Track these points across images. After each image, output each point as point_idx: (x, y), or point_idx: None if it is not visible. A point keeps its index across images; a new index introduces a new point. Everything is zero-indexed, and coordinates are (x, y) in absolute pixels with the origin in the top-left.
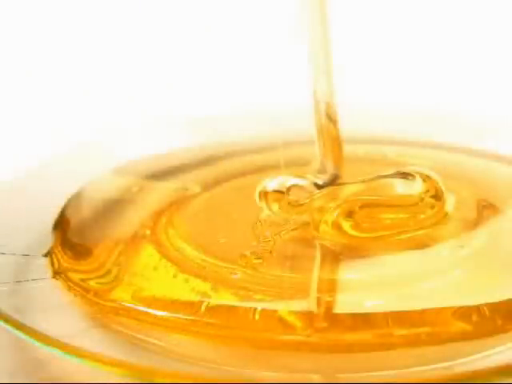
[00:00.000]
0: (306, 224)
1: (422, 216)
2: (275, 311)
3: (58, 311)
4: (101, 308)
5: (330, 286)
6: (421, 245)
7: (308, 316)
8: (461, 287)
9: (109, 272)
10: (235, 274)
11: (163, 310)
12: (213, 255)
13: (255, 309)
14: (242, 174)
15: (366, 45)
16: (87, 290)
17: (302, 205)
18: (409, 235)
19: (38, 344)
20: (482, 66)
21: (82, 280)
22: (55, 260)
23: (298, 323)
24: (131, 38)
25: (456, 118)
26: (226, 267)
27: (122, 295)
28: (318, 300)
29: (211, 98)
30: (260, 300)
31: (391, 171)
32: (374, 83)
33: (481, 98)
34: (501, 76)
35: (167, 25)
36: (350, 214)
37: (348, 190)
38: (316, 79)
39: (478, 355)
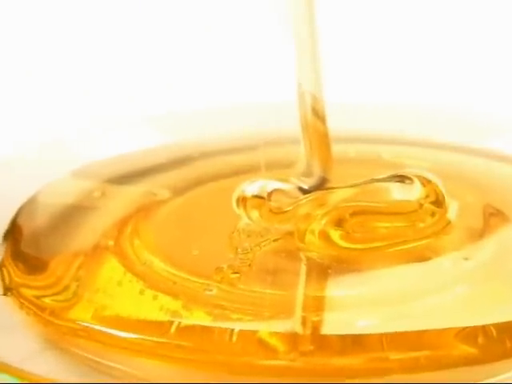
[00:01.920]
0: (290, 234)
1: (422, 225)
2: (255, 332)
3: (8, 332)
4: (57, 328)
5: (316, 304)
6: (420, 257)
7: (292, 338)
8: (465, 305)
9: (66, 288)
10: (210, 290)
11: (128, 330)
12: (184, 269)
13: (232, 330)
14: (218, 176)
15: (359, 32)
16: (42, 309)
17: (285, 212)
18: (406, 246)
19: None
20: (483, 60)
21: (37, 297)
22: (6, 274)
23: (280, 346)
24: (100, 34)
25: (458, 114)
26: (199, 283)
27: (81, 314)
28: (304, 320)
29: (184, 92)
30: (238, 320)
31: (386, 174)
32: (367, 76)
33: (484, 93)
34: (505, 70)
35: (138, 19)
36: (339, 223)
37: (337, 196)
38: (301, 69)
39: (485, 382)
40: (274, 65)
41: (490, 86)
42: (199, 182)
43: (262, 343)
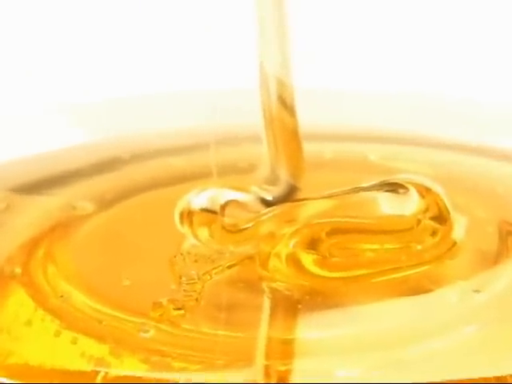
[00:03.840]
0: (250, 258)
1: (419, 247)
2: None
3: None
4: None
5: (283, 349)
6: (417, 289)
7: None
8: (475, 350)
9: None
10: (145, 331)
11: (41, 383)
12: (113, 304)
13: (175, 382)
14: (156, 184)
15: (342, 7)
16: None
17: (242, 230)
18: (399, 275)
19: None
20: (490, 44)
21: None
22: None
23: None
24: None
25: (463, 106)
26: (131, 322)
27: None
28: (267, 369)
29: (111, 76)
30: (182, 369)
31: (374, 181)
32: (348, 56)
33: (493, 82)
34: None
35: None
36: (313, 244)
37: (310, 209)
38: (264, 46)
39: None
40: (227, 40)
41: (501, 73)
42: (131, 192)
43: None
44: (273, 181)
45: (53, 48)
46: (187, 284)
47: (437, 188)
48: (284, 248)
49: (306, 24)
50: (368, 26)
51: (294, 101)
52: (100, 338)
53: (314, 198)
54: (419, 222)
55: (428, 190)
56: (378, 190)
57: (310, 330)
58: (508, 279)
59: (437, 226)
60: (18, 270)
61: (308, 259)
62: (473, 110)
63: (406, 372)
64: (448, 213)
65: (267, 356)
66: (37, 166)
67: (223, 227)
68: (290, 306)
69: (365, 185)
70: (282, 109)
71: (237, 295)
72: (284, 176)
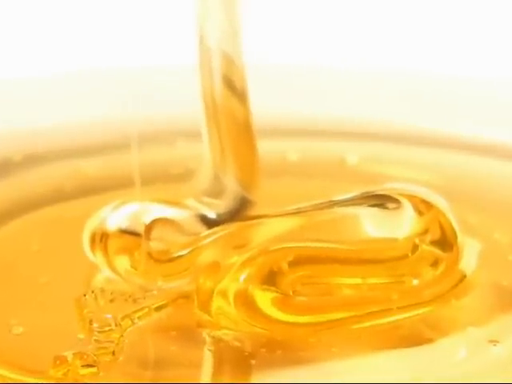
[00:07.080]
0: (185, 297)
1: (416, 282)
2: None
3: None
4: None
5: None
6: (413, 339)
7: None
8: None
9: None
10: None
11: None
12: (1, 360)
13: None
14: (59, 196)
15: None
16: None
17: (175, 259)
18: (389, 320)
19: None
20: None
21: None
22: None
23: None
24: None
25: (466, 94)
26: (27, 382)
27: None
28: None
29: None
30: None
31: (353, 192)
32: (316, 27)
33: (500, 63)
34: None
35: None
36: (271, 278)
37: (268, 231)
38: (205, 11)
39: None
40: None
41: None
42: (25, 206)
43: None
44: (217, 192)
45: None
46: (100, 332)
47: (439, 201)
48: (232, 283)
49: None
50: None
51: (246, 84)
52: None
53: (273, 216)
54: (416, 247)
55: (427, 204)
56: (359, 204)
57: None
58: None
59: (439, 253)
60: None
61: (264, 298)
62: (483, 97)
63: None
64: (454, 236)
65: None
66: None
67: (149, 255)
68: (239, 362)
69: (342, 197)
70: (230, 94)
71: (168, 347)
72: (232, 185)
